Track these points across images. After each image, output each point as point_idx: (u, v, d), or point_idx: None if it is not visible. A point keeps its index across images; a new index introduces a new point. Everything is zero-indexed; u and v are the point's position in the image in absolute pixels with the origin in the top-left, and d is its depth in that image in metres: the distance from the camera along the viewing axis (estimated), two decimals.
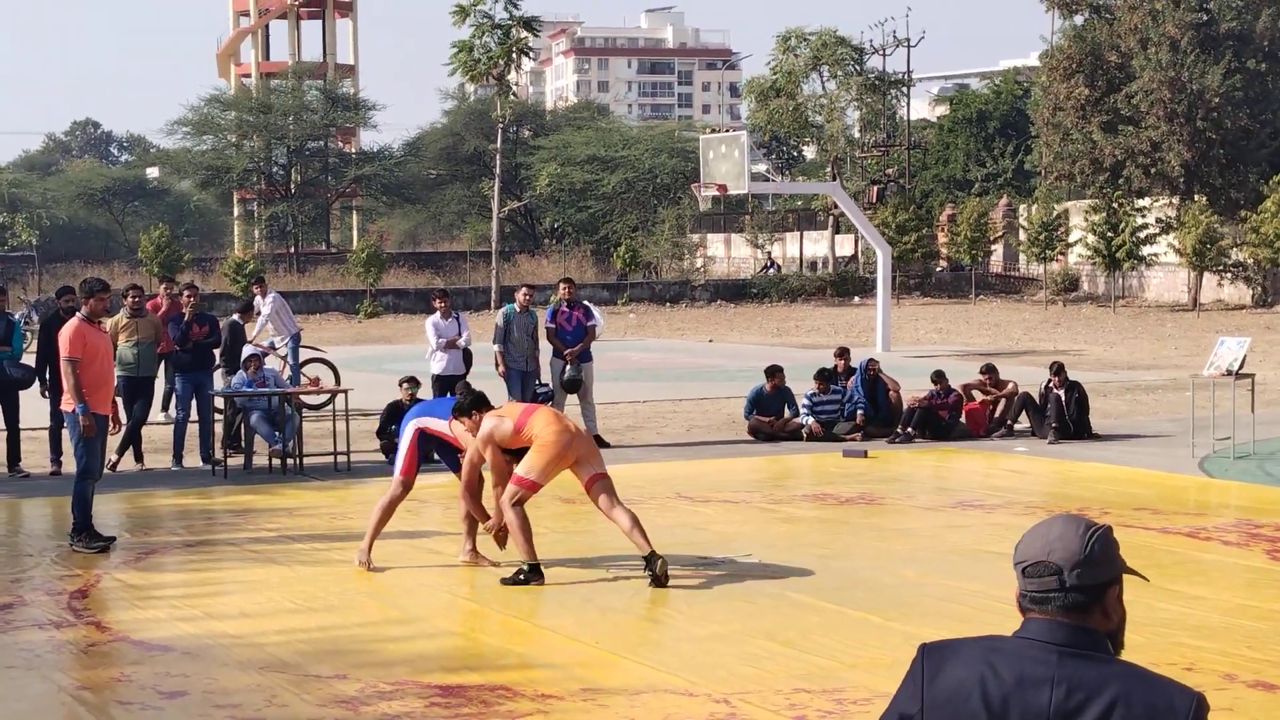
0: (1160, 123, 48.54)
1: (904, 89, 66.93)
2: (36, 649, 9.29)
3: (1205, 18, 50.29)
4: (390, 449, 15.85)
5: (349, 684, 8.41)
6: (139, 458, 17.57)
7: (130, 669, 8.80)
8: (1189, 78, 48.25)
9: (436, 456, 12.09)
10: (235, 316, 20.68)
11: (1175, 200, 50.26)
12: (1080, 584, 3.16)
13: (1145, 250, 49.49)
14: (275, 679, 8.53)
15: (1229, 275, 49.37)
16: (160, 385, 19.01)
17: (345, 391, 18.54)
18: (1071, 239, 52.27)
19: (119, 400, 16.31)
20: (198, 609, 10.27)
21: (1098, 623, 3.18)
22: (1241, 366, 17.36)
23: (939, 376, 19.65)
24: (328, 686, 8.38)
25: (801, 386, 19.97)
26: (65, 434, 14.86)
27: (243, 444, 17.68)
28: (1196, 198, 49.46)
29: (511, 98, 61.62)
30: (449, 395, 18.63)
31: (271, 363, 20.29)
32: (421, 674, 8.65)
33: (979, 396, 19.78)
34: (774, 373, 19.80)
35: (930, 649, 3.27)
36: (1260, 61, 49.89)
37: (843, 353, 20.72)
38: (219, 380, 19.00)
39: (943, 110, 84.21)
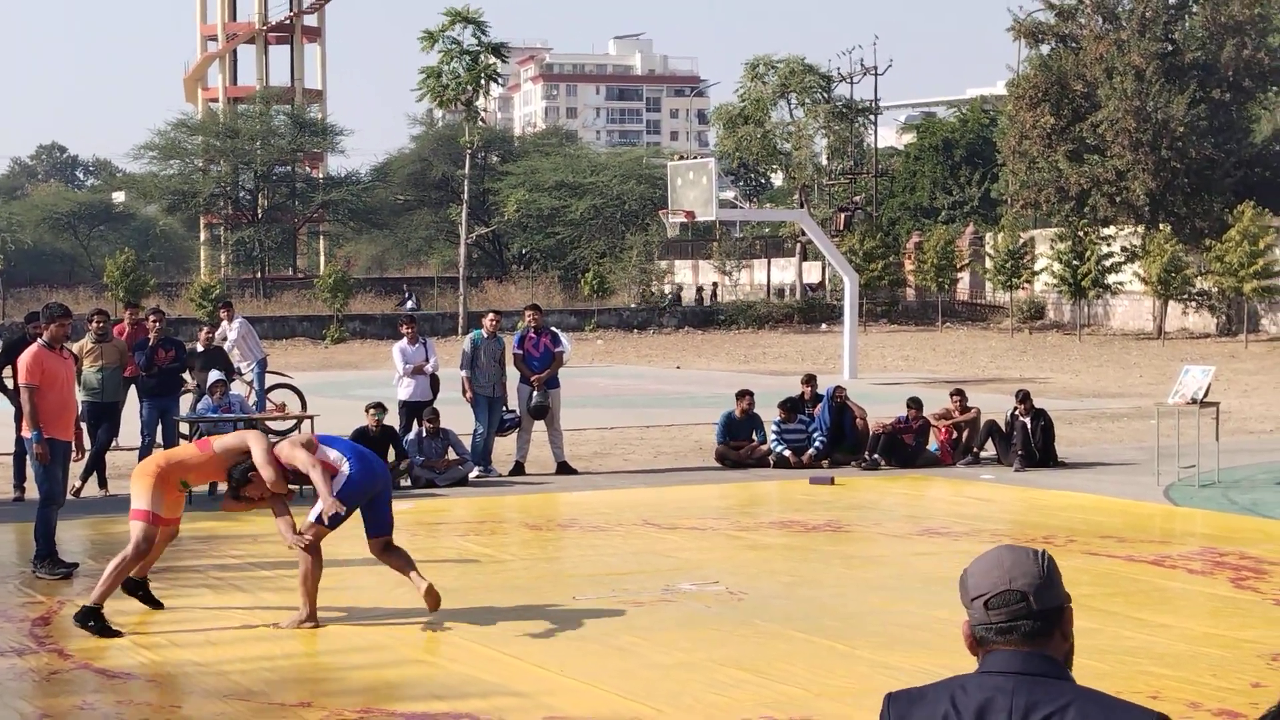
0: (1125, 151, 48.82)
1: (871, 117, 67.20)
2: None
3: (1170, 48, 50.64)
4: None
5: (313, 712, 8.37)
6: (103, 484, 17.45)
7: (92, 697, 8.74)
8: (1154, 107, 48.56)
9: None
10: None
11: (1140, 229, 50.52)
12: (1044, 607, 3.22)
13: (1110, 278, 49.75)
14: (239, 707, 8.48)
15: (1193, 304, 49.64)
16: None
17: (311, 417, 18.50)
18: (1037, 267, 52.50)
19: (84, 426, 16.26)
20: (161, 636, 10.21)
21: (1056, 647, 3.23)
22: (1206, 395, 17.46)
23: (914, 403, 19.68)
24: (292, 715, 8.33)
25: (770, 413, 19.98)
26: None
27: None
28: (1161, 226, 49.73)
29: (480, 123, 61.62)
30: (411, 423, 18.64)
31: (237, 388, 20.21)
32: (386, 702, 8.62)
33: (943, 425, 19.78)
34: (743, 395, 19.86)
35: (895, 696, 3.32)
36: (1224, 91, 50.25)
37: (809, 380, 20.74)
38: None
39: (910, 138, 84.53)
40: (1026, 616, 3.22)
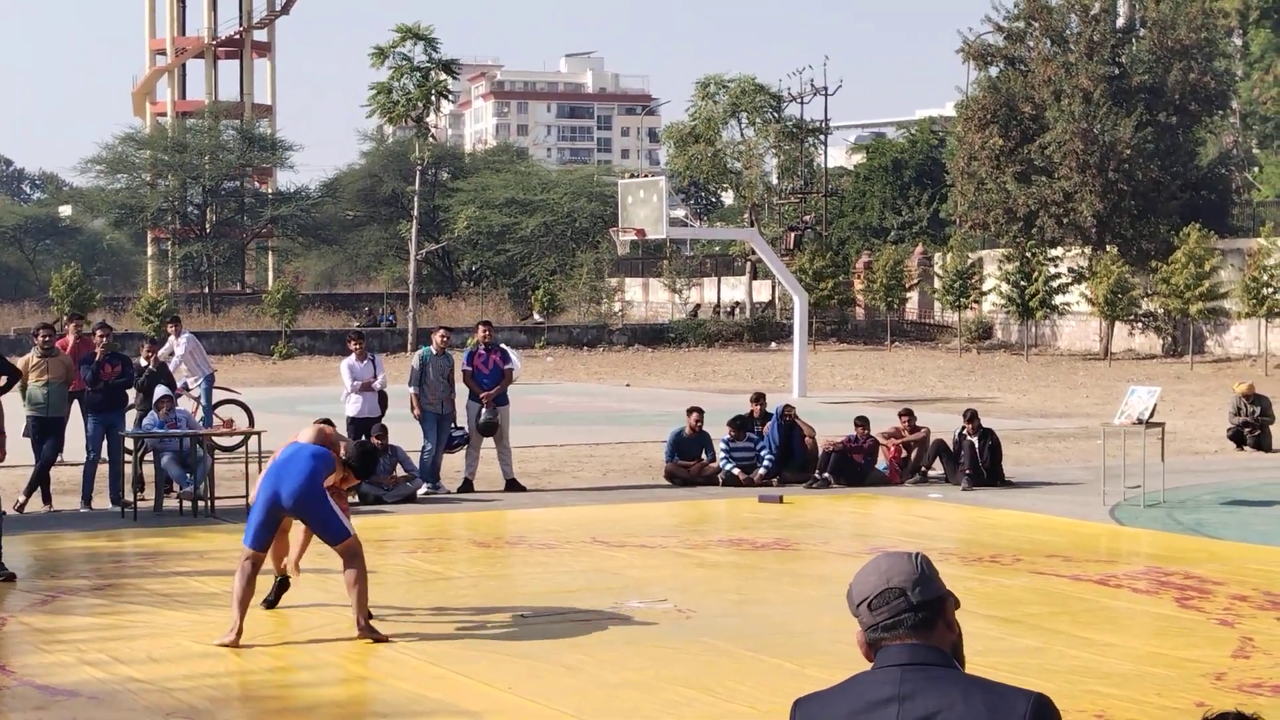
0: (1073, 173, 49.14)
1: (821, 137, 67.46)
2: None
3: (1117, 71, 51.03)
4: None
5: None
6: (47, 499, 17.31)
7: (35, 714, 8.65)
8: (1101, 129, 48.91)
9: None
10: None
11: (1087, 250, 50.86)
12: (923, 599, 3.43)
13: (1058, 299, 50.03)
14: None
15: (1140, 325, 49.99)
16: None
17: (259, 433, 18.39)
18: (985, 287, 52.78)
19: (25, 437, 16.21)
20: (105, 653, 10.12)
21: (941, 637, 3.44)
22: (1152, 415, 17.56)
23: (862, 422, 19.74)
24: None
25: (719, 431, 19.99)
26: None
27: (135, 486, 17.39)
28: (1108, 248, 50.09)
29: (430, 140, 61.54)
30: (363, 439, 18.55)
31: (184, 404, 20.09)
32: None
33: (892, 444, 19.83)
34: (693, 411, 19.87)
35: (799, 702, 3.53)
36: (1171, 114, 50.66)
37: (759, 398, 20.77)
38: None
39: (859, 158, 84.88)
40: (908, 610, 3.43)
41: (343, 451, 10.90)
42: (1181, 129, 51.68)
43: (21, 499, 16.99)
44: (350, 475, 10.91)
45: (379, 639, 10.47)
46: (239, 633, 10.41)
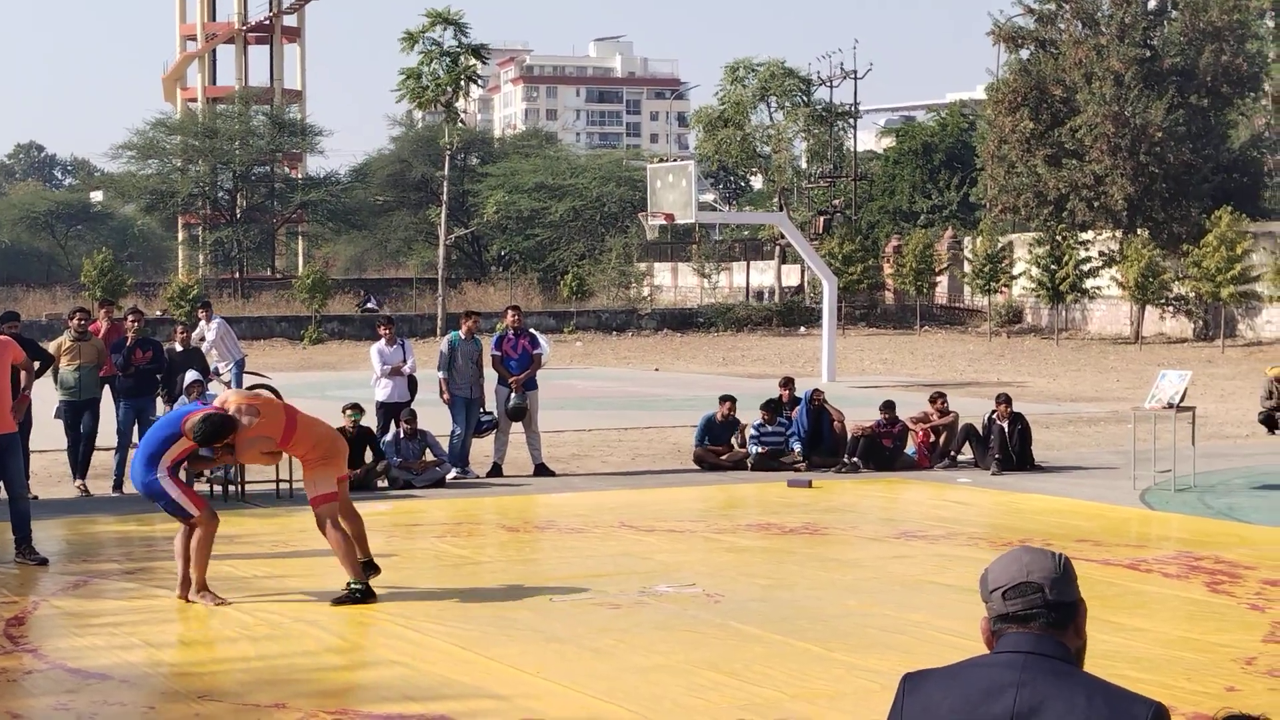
0: (1104, 156, 48.95)
1: (851, 120, 67.31)
2: None
3: (1149, 53, 50.80)
4: None
5: (288, 713, 8.35)
6: (82, 474, 17.39)
7: (66, 697, 8.70)
8: (1132, 112, 48.71)
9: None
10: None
11: (1118, 234, 50.68)
12: (1059, 599, 3.39)
13: (1088, 283, 49.89)
14: (214, 708, 8.46)
15: (1171, 309, 49.80)
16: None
17: None
18: (1015, 271, 52.63)
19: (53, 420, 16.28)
20: (136, 637, 10.17)
21: (1070, 639, 3.40)
22: (1182, 399, 17.50)
23: (888, 406, 19.71)
24: (267, 716, 8.31)
25: (748, 416, 19.99)
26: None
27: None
28: (1139, 231, 49.90)
29: (459, 125, 61.61)
30: (389, 422, 18.61)
31: (215, 388, 20.14)
32: (362, 703, 8.60)
33: (921, 428, 19.79)
34: (726, 400, 19.84)
35: (909, 677, 3.47)
36: (1203, 97, 50.41)
37: (787, 383, 20.75)
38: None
39: (889, 142, 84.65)
40: (1043, 606, 3.39)
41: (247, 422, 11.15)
42: (1213, 111, 51.43)
43: (80, 482, 17.14)
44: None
45: (217, 602, 11.09)
46: (182, 584, 11.23)
